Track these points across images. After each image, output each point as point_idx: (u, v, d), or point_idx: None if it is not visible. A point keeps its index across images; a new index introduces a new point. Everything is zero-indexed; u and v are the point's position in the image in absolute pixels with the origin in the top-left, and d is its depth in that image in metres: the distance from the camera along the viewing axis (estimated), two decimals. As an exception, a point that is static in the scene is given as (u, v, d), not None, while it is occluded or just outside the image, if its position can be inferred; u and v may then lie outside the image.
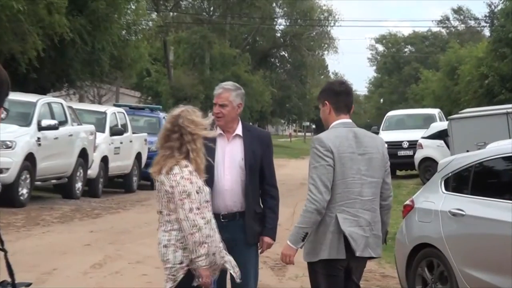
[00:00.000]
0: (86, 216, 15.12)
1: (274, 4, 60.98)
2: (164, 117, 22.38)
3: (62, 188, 17.62)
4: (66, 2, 20.04)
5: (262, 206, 5.77)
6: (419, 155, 23.33)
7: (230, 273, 5.63)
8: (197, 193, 4.96)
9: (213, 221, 5.09)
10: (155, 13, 39.59)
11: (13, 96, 16.29)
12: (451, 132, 18.44)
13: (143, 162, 21.46)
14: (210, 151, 5.58)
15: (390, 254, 9.55)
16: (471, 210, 7.07)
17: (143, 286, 8.71)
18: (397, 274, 8.25)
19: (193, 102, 41.42)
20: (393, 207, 5.80)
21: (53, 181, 17.01)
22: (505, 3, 35.87)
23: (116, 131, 20.14)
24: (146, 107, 27.26)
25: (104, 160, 19.34)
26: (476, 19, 70.94)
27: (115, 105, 25.23)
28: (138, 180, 21.49)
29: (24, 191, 15.26)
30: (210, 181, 5.54)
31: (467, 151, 10.68)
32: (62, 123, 16.94)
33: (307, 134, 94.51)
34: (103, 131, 19.61)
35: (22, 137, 15.23)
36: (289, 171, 29.97)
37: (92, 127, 18.62)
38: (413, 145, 24.29)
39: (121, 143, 20.40)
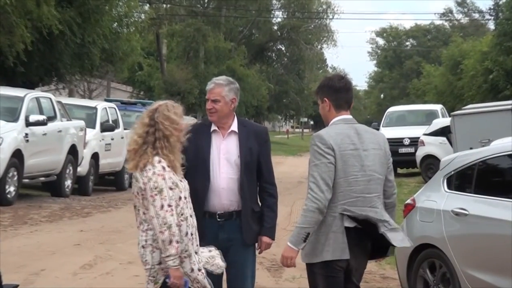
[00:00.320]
0: (75, 215, 15.11)
1: (271, -4, 61.00)
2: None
3: (51, 186, 17.60)
4: (55, -7, 20.03)
5: (260, 204, 5.75)
6: (420, 153, 23.33)
7: (227, 274, 5.64)
8: (171, 189, 4.94)
9: (193, 219, 5.09)
10: (148, 5, 39.51)
11: (0, 90, 16.30)
12: (454, 129, 18.44)
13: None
14: (204, 149, 5.58)
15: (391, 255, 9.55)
16: (474, 210, 7.07)
17: (135, 287, 8.71)
18: (397, 276, 8.25)
19: (187, 97, 41.45)
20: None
21: (42, 178, 17.00)
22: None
23: (107, 127, 20.13)
24: (138, 102, 27.26)
25: (95, 157, 19.32)
26: (480, 12, 70.95)
27: (106, 100, 25.22)
28: (129, 177, 21.46)
29: (11, 189, 15.24)
30: (205, 180, 5.54)
31: (471, 148, 10.69)
32: (51, 118, 16.93)
33: (305, 130, 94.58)
34: (93, 127, 19.59)
35: (9, 133, 15.21)
36: (286, 169, 29.98)
37: (82, 123, 18.60)
38: (415, 142, 24.30)
39: (112, 139, 20.38)
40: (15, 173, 15.30)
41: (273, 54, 68.00)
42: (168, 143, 5.03)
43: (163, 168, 4.95)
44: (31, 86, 21.87)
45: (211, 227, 5.55)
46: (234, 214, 5.62)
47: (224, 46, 49.69)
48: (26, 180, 16.20)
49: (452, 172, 7.62)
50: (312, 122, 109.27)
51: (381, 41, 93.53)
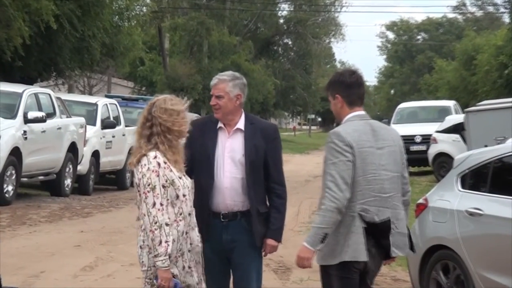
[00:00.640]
0: (75, 215, 15.13)
1: (277, -12, 61.01)
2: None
3: (50, 185, 17.63)
4: (54, -15, 20.05)
5: (268, 205, 5.73)
6: (433, 151, 23.32)
7: (233, 277, 5.65)
8: (164, 187, 4.94)
9: (192, 218, 5.10)
10: (150, -3, 39.52)
11: (-2, 86, 16.32)
12: (468, 126, 18.44)
13: (136, 157, 21.45)
14: (209, 146, 5.57)
15: (402, 256, 9.55)
16: (489, 209, 7.07)
17: (137, 290, 8.73)
18: (409, 278, 8.25)
19: (190, 92, 41.43)
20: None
21: (41, 177, 17.03)
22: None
23: (108, 124, 20.15)
24: (140, 98, 27.25)
25: (95, 155, 19.34)
26: (494, 4, 70.75)
27: (106, 96, 25.26)
28: (131, 176, 21.48)
29: (9, 188, 15.27)
30: (209, 178, 5.53)
31: (486, 146, 10.68)
32: (50, 115, 16.95)
33: (313, 127, 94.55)
34: (94, 124, 19.61)
35: (7, 130, 15.24)
36: (293, 167, 29.97)
37: (82, 120, 18.63)
38: (427, 139, 24.28)
39: (113, 136, 20.41)
40: (13, 171, 15.33)
41: (279, 49, 67.95)
42: (166, 138, 5.03)
43: (158, 164, 4.96)
44: (29, 81, 21.90)
45: (215, 227, 5.55)
46: (239, 215, 5.60)
47: (229, 40, 49.68)
48: (25, 179, 16.22)
49: (466, 171, 7.61)
50: (320, 119, 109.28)
51: (391, 35, 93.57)
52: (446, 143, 22.80)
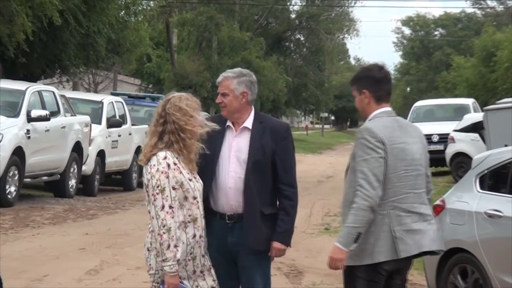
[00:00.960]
0: (80, 217, 15.16)
1: (289, -18, 61.01)
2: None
3: (54, 186, 17.67)
4: (58, -21, 20.08)
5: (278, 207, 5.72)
6: (450, 150, 23.28)
7: (240, 281, 5.65)
8: (174, 189, 4.93)
9: (203, 221, 5.10)
10: (157, -9, 39.57)
11: (0, 83, 16.36)
12: (487, 125, 18.38)
13: (143, 157, 21.48)
14: (216, 145, 5.57)
15: (419, 260, 9.52)
16: (509, 211, 7.05)
17: (144, 295, 8.74)
18: (426, 282, 8.24)
19: (199, 90, 41.47)
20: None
21: (44, 178, 17.07)
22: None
23: (113, 123, 20.18)
24: (146, 96, 27.32)
25: (101, 154, 19.38)
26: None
27: (112, 94, 25.28)
28: (138, 177, 21.53)
29: (12, 189, 15.30)
30: (212, 178, 5.53)
31: (506, 145, 10.65)
32: (54, 113, 16.99)
33: (326, 126, 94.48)
34: (99, 122, 19.65)
35: (10, 129, 15.27)
36: (306, 168, 29.98)
37: (87, 118, 18.66)
38: (444, 138, 24.24)
39: (119, 136, 20.44)
40: (16, 172, 15.36)
41: (291, 45, 67.90)
42: (180, 136, 5.02)
43: (168, 165, 4.95)
44: (32, 79, 21.96)
45: (220, 228, 5.56)
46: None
47: (239, 36, 49.70)
48: (28, 180, 16.27)
49: (485, 171, 7.60)
50: (333, 118, 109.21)
51: (407, 31, 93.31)
52: (465, 143, 22.76)
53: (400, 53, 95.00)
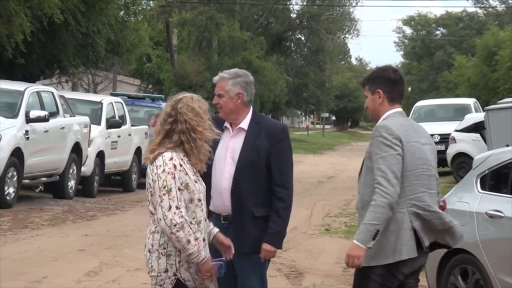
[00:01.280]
0: (79, 218, 15.17)
1: (289, -19, 61.01)
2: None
3: (53, 187, 17.67)
4: (57, -21, 20.08)
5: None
6: (452, 150, 23.27)
7: (238, 283, 5.66)
8: (180, 190, 4.93)
9: (205, 224, 5.10)
10: (157, -9, 39.58)
11: (-2, 84, 16.37)
12: (489, 125, 18.38)
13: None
14: (213, 146, 5.58)
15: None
16: (510, 212, 7.05)
17: (143, 296, 8.75)
18: (426, 283, 8.24)
19: (199, 90, 41.45)
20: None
21: (43, 179, 17.06)
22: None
23: (113, 124, 20.18)
24: (146, 96, 27.29)
25: (100, 155, 19.38)
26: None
27: (112, 94, 25.28)
28: (137, 178, 21.54)
29: (10, 190, 15.31)
30: (208, 179, 5.54)
31: (507, 145, 10.65)
32: (53, 114, 16.99)
33: (326, 126, 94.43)
34: (98, 123, 19.65)
35: (8, 130, 15.28)
36: (306, 168, 29.98)
37: (86, 119, 18.66)
38: (445, 139, 24.22)
39: (118, 136, 20.44)
40: (15, 173, 15.36)
41: (292, 45, 67.92)
42: (191, 136, 5.00)
43: (174, 166, 4.95)
44: (31, 79, 21.95)
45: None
46: None
47: (239, 36, 49.69)
48: (27, 181, 16.27)
49: (486, 171, 7.60)
50: (334, 118, 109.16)
51: (408, 30, 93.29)
52: (466, 143, 22.75)
53: (401, 53, 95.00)
